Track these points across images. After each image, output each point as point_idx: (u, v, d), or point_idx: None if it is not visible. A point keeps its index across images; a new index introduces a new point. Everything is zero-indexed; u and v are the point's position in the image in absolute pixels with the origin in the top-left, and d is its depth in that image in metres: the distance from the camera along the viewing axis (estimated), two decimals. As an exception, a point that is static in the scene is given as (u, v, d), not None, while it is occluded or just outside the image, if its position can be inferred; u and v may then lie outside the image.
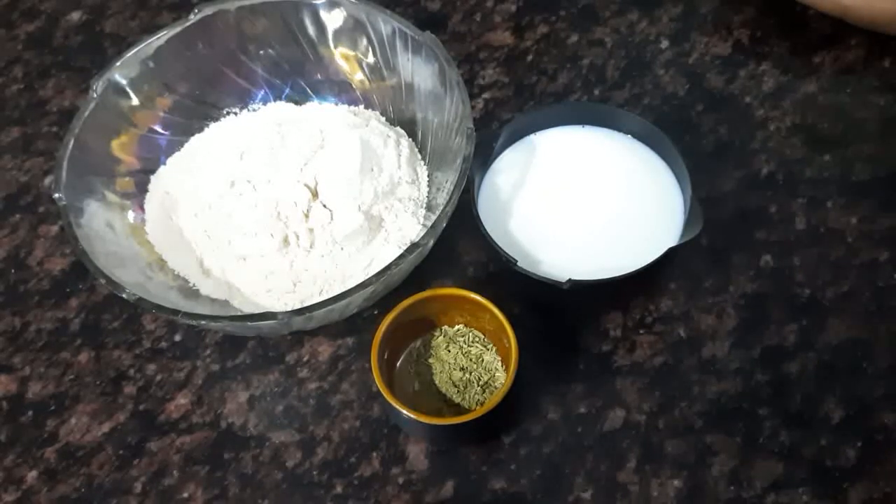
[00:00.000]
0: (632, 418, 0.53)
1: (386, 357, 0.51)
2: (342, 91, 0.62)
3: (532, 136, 0.60)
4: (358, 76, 0.61)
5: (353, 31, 0.59)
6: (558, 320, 0.56)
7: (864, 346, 0.55)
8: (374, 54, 0.60)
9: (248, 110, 0.62)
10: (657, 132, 0.58)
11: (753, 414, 0.53)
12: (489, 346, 0.53)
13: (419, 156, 0.60)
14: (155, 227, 0.57)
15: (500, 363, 0.53)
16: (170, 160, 0.60)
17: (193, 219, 0.57)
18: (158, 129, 0.60)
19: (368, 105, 0.62)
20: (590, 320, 0.56)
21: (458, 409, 0.51)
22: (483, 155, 0.58)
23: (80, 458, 0.54)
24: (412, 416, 0.48)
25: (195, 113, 0.61)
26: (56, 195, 0.52)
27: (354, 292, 0.48)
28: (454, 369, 0.52)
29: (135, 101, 0.58)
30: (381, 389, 0.49)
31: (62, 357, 0.57)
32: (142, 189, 0.59)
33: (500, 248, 0.54)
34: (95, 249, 0.51)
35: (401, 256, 0.50)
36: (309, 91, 0.62)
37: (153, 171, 0.59)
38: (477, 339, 0.53)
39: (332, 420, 0.54)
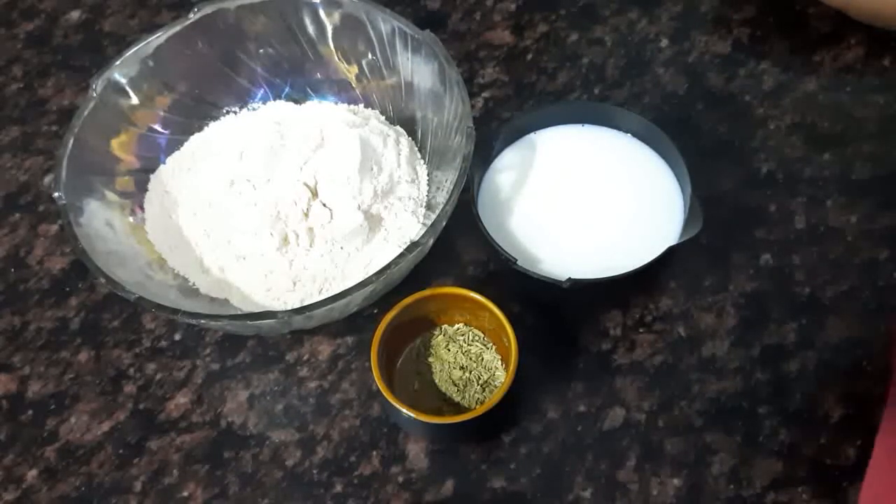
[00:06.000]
0: (631, 417, 0.53)
1: (386, 356, 0.51)
2: (342, 90, 0.62)
3: (532, 135, 0.60)
4: (357, 75, 0.61)
5: (352, 29, 0.59)
6: (558, 319, 0.56)
7: (864, 345, 0.55)
8: (374, 53, 0.60)
9: (248, 109, 0.62)
10: (657, 131, 0.58)
11: (753, 413, 0.53)
12: (489, 345, 0.53)
13: (419, 155, 0.60)
14: (155, 227, 0.57)
15: (499, 362, 0.53)
16: (169, 159, 0.60)
17: (193, 218, 0.57)
18: (158, 128, 0.60)
19: (368, 104, 0.62)
20: (589, 319, 0.56)
21: (457, 408, 0.51)
22: (483, 154, 0.58)
23: (80, 457, 0.54)
24: (412, 414, 0.48)
25: (195, 112, 0.61)
26: (56, 194, 0.52)
27: (354, 291, 0.48)
28: (454, 368, 0.52)
29: (134, 100, 0.58)
30: (380, 388, 0.49)
31: (62, 356, 0.57)
32: (141, 188, 0.59)
33: (499, 246, 0.54)
34: (95, 248, 0.51)
35: (400, 255, 0.50)
36: (308, 90, 0.62)
37: (153, 171, 0.59)
38: (477, 338, 0.53)
39: (332, 419, 0.54)
